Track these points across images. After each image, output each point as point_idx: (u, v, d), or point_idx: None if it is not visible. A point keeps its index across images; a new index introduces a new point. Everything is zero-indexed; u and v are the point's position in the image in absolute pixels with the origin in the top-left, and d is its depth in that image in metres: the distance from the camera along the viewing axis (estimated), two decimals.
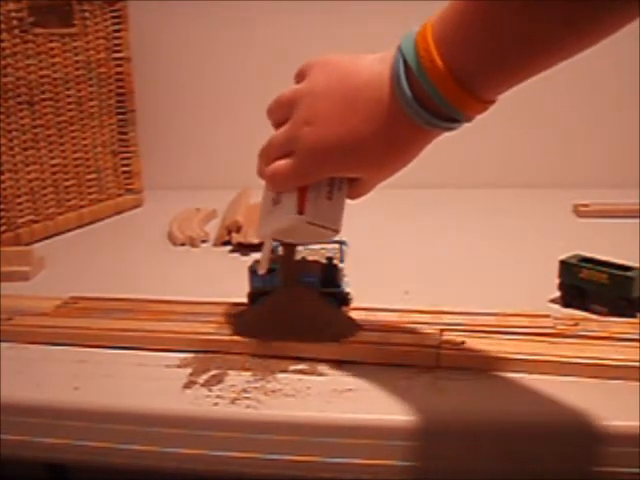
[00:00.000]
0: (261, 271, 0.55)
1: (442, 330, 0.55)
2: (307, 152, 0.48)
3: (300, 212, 0.50)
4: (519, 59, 0.40)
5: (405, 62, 0.43)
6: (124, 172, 1.07)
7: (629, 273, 0.59)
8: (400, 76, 0.43)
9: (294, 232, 0.52)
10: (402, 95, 0.43)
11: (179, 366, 0.53)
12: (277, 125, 0.51)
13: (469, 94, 0.42)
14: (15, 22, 0.86)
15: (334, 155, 0.47)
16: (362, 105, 0.45)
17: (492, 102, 0.44)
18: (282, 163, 0.49)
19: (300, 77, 0.50)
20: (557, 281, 0.64)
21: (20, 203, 0.90)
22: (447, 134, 0.45)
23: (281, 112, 0.50)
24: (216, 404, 0.48)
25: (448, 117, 0.44)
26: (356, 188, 0.51)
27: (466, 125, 0.45)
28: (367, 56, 0.47)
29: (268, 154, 0.51)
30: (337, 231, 0.52)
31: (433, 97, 0.42)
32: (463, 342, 0.53)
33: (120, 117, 1.05)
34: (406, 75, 0.43)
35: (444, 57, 0.41)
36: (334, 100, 0.46)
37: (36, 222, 0.92)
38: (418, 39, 0.42)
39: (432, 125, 0.44)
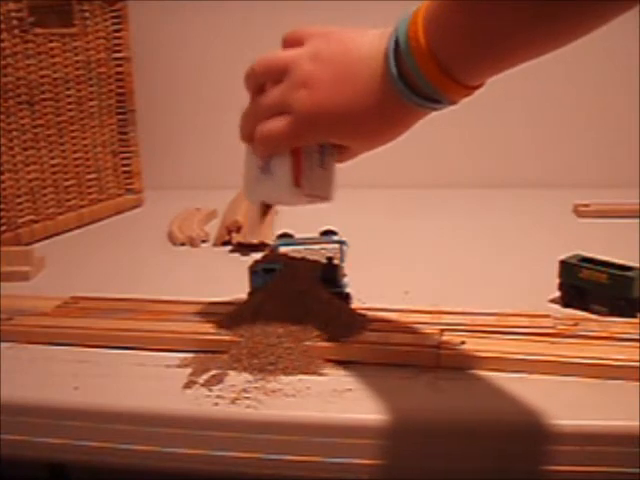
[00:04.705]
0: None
1: (442, 330, 0.55)
2: (303, 114, 0.48)
3: (297, 185, 0.50)
4: (493, 50, 0.41)
5: (397, 41, 0.44)
6: (124, 172, 1.07)
7: (629, 273, 0.59)
8: (390, 54, 0.44)
9: (287, 200, 0.53)
10: (390, 73, 0.44)
11: (179, 366, 0.53)
12: (258, 89, 0.51)
13: (450, 77, 0.43)
14: (15, 22, 0.86)
15: (328, 121, 0.48)
16: (359, 78, 0.46)
17: (475, 88, 0.45)
18: (275, 124, 0.49)
19: (295, 43, 0.50)
20: (557, 281, 0.64)
21: (20, 203, 0.90)
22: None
23: (270, 75, 0.50)
24: (216, 404, 0.48)
25: (431, 98, 0.45)
26: (343, 155, 0.53)
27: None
28: (369, 31, 0.48)
29: (258, 116, 0.50)
30: (329, 199, 0.53)
31: (416, 77, 0.43)
32: (463, 342, 0.53)
33: (120, 117, 1.05)
34: (395, 54, 0.44)
35: (429, 39, 0.42)
36: (335, 69, 0.47)
37: (36, 222, 0.92)
38: (411, 20, 0.43)
39: (417, 104, 0.45)
